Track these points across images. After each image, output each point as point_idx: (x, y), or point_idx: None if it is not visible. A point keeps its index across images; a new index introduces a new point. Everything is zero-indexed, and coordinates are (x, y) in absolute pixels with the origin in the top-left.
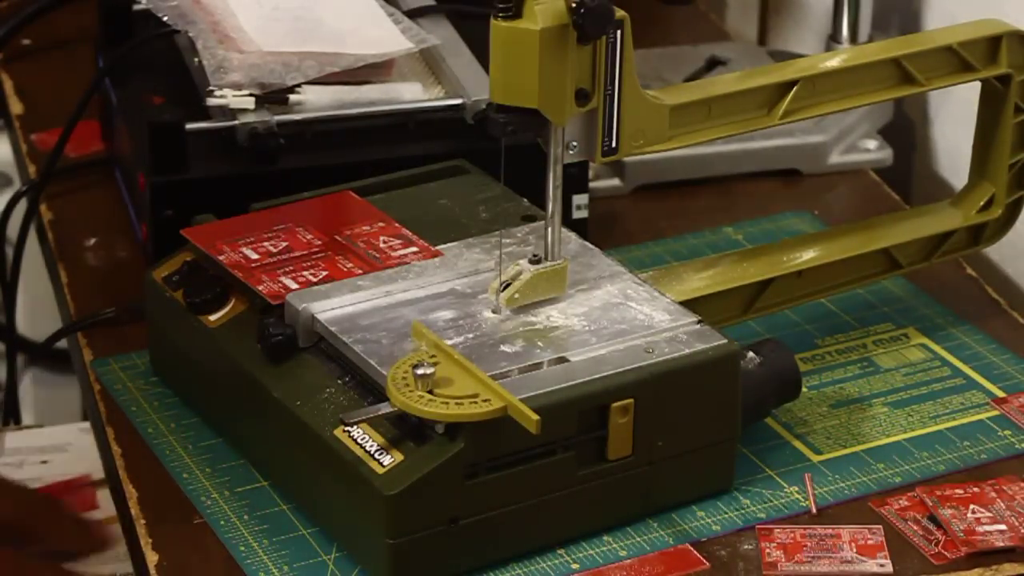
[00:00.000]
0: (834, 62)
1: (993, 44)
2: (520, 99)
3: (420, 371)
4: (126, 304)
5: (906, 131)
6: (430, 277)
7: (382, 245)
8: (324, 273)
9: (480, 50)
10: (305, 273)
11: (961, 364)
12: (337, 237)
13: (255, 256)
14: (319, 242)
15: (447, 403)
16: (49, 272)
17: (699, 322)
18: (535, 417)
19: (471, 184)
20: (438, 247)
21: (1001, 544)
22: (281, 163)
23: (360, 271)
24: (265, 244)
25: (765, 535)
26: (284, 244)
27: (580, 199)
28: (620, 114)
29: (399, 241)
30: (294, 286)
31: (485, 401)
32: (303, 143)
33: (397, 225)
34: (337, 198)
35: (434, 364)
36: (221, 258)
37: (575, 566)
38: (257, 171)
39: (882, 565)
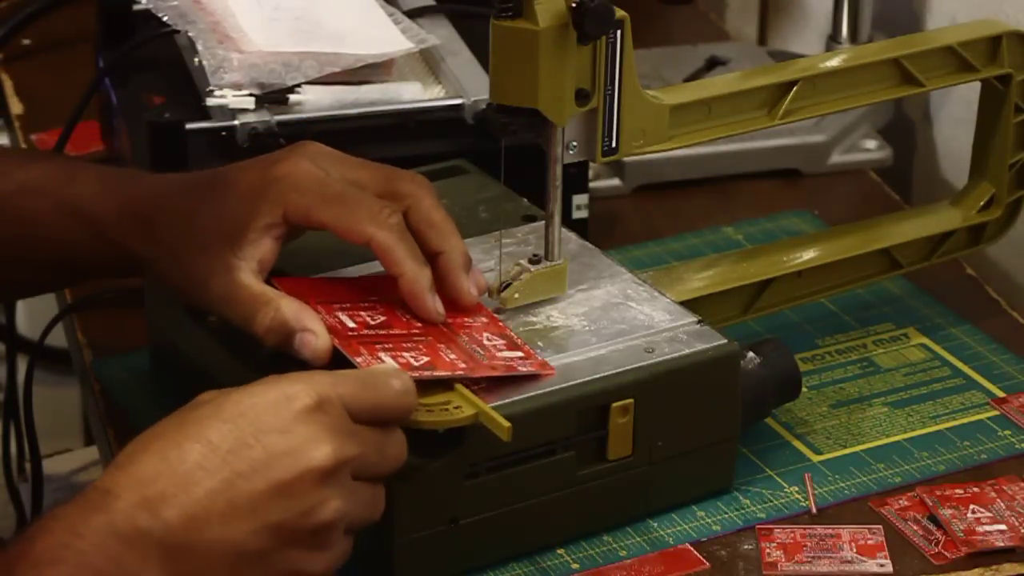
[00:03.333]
0: (834, 62)
1: (993, 44)
2: (520, 99)
3: None
4: (126, 288)
5: (906, 131)
6: None
7: (486, 343)
8: (425, 359)
9: (480, 50)
10: (406, 355)
11: (961, 364)
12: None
13: (352, 324)
14: (419, 325)
15: (418, 410)
16: None
17: (699, 322)
18: (506, 424)
19: (471, 184)
20: None
21: (1001, 544)
22: None
23: (464, 366)
24: (362, 314)
25: (765, 535)
26: (382, 318)
27: (580, 199)
28: (620, 114)
29: (504, 342)
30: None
31: (456, 408)
32: None
33: (502, 324)
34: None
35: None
36: None
37: (575, 566)
38: None
39: (882, 565)
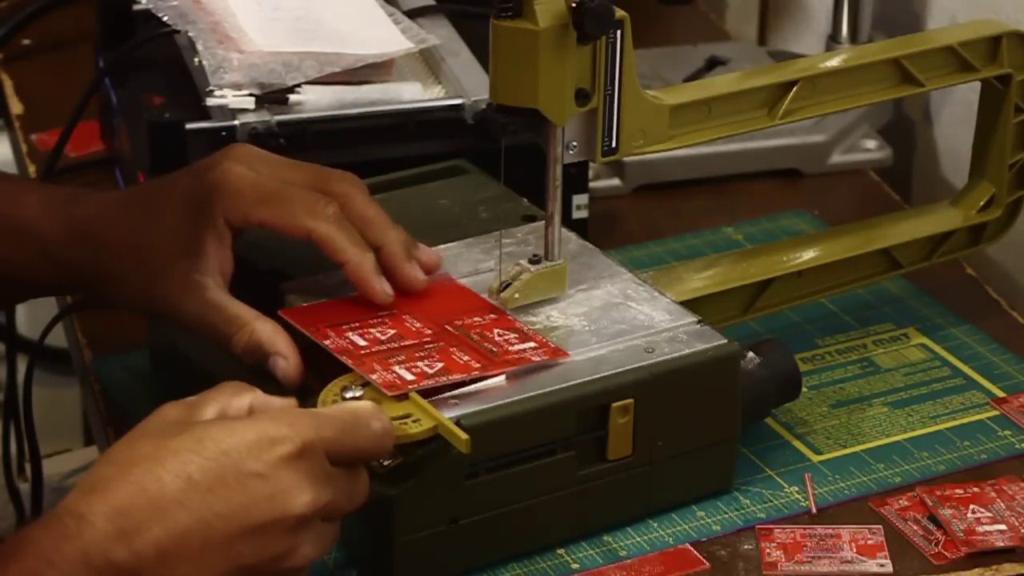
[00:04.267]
0: (834, 62)
1: (993, 44)
2: (520, 99)
3: (349, 394)
4: None
5: (906, 131)
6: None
7: (498, 338)
8: (440, 365)
9: (480, 50)
10: (420, 364)
11: (961, 364)
12: (448, 327)
13: (363, 343)
14: (429, 331)
15: None
16: None
17: (699, 322)
18: (464, 437)
19: (471, 184)
20: (438, 247)
21: (1001, 544)
22: None
23: (479, 365)
24: (372, 331)
25: (765, 535)
26: (392, 331)
27: (580, 199)
28: (620, 114)
29: (515, 335)
30: (409, 377)
31: (416, 422)
32: (303, 143)
33: (510, 318)
34: (439, 285)
35: (363, 386)
36: (327, 343)
37: (575, 566)
38: None
39: (882, 565)
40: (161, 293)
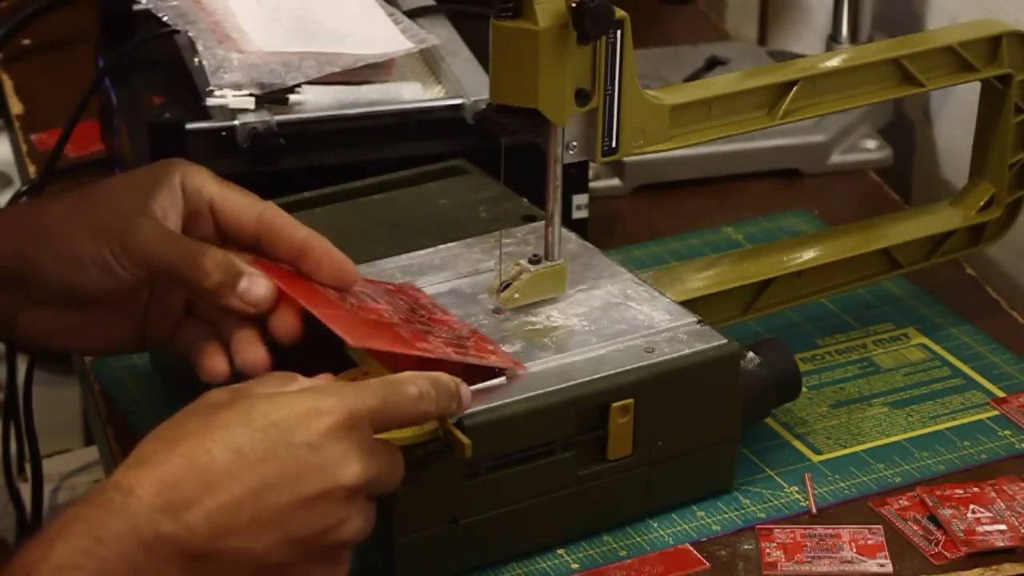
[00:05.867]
0: (834, 62)
1: (993, 44)
2: (520, 99)
3: None
4: None
5: (906, 131)
6: (430, 277)
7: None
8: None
9: (480, 50)
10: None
11: (961, 364)
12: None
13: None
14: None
15: None
16: None
17: (699, 322)
18: (467, 441)
19: (471, 184)
20: (438, 247)
21: (1001, 544)
22: (281, 163)
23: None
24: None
25: (765, 535)
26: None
27: (580, 199)
28: (620, 114)
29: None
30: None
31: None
32: (303, 143)
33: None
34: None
35: (364, 374)
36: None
37: (575, 566)
38: (257, 171)
39: (882, 565)
40: (106, 227)
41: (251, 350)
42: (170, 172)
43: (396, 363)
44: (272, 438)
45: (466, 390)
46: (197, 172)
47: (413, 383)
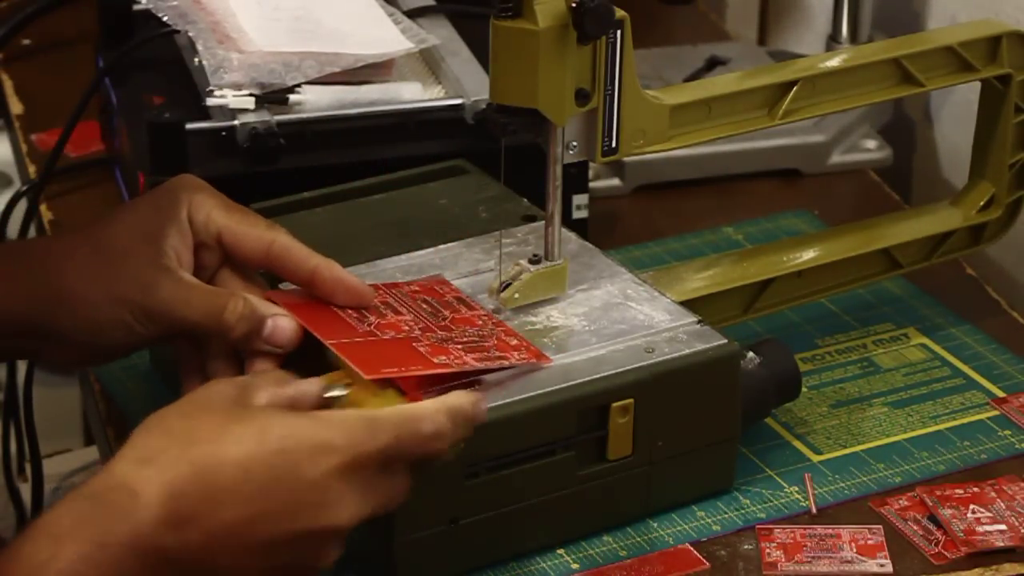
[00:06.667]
0: (834, 62)
1: (993, 44)
2: (520, 99)
3: (330, 393)
4: None
5: (906, 131)
6: None
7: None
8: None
9: (480, 50)
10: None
11: (961, 364)
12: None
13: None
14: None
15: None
16: None
17: (699, 322)
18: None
19: (471, 184)
20: (438, 247)
21: (1001, 544)
22: (281, 163)
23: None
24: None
25: (765, 535)
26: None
27: (580, 199)
28: (620, 114)
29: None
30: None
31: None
32: (303, 143)
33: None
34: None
35: (348, 386)
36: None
37: (575, 566)
38: (257, 171)
39: (882, 565)
40: (125, 292)
41: None
42: (177, 206)
43: (412, 381)
44: (280, 467)
45: (483, 408)
46: (203, 202)
47: (431, 420)
